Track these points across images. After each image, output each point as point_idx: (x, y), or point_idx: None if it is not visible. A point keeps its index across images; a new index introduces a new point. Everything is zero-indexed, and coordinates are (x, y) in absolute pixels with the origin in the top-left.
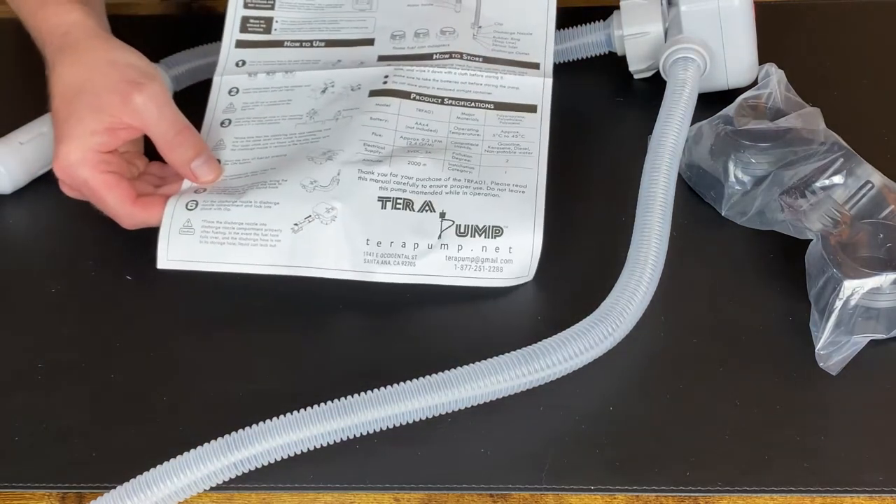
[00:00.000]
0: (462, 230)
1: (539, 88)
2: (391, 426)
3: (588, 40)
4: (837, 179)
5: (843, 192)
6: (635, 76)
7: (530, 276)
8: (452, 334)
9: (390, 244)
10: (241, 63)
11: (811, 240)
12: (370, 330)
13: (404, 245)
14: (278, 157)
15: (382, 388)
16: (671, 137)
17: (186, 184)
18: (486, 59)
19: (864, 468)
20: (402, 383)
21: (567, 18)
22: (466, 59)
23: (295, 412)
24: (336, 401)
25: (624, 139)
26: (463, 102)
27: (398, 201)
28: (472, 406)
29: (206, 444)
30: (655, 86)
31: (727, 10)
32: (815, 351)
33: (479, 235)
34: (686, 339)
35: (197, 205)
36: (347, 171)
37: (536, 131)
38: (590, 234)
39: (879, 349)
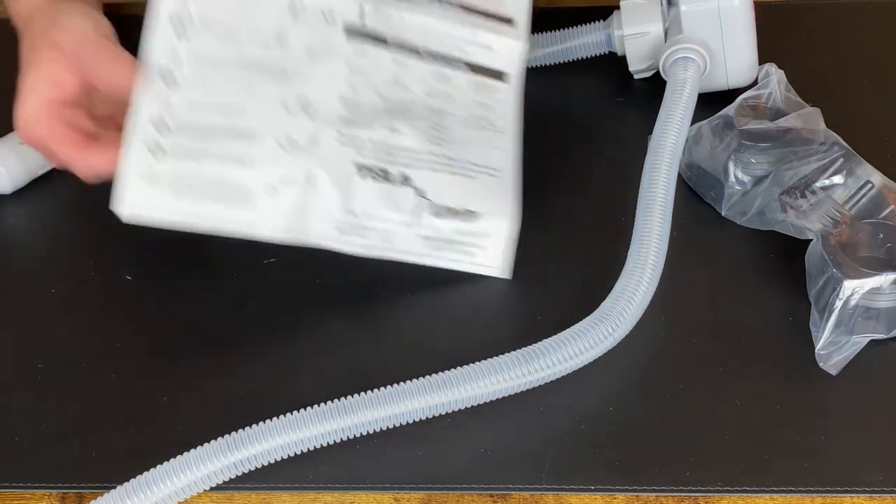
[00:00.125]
0: (437, 210)
1: (513, 54)
2: (391, 426)
3: (588, 40)
4: (837, 179)
5: (843, 192)
6: (635, 76)
7: (508, 274)
8: (452, 334)
9: (367, 216)
10: None
11: (811, 240)
12: (370, 330)
13: (381, 219)
14: (245, 87)
15: (382, 388)
16: (671, 137)
17: (142, 116)
18: (463, 7)
19: (864, 468)
20: (401, 383)
21: (567, 18)
22: (444, 3)
23: (295, 412)
24: (336, 401)
25: (624, 139)
26: (439, 59)
27: (377, 172)
28: (472, 406)
29: (206, 444)
30: (655, 86)
31: (727, 10)
32: (815, 351)
33: (454, 218)
34: (686, 339)
35: (161, 149)
36: (326, 133)
37: (509, 107)
38: (590, 234)
39: (879, 349)
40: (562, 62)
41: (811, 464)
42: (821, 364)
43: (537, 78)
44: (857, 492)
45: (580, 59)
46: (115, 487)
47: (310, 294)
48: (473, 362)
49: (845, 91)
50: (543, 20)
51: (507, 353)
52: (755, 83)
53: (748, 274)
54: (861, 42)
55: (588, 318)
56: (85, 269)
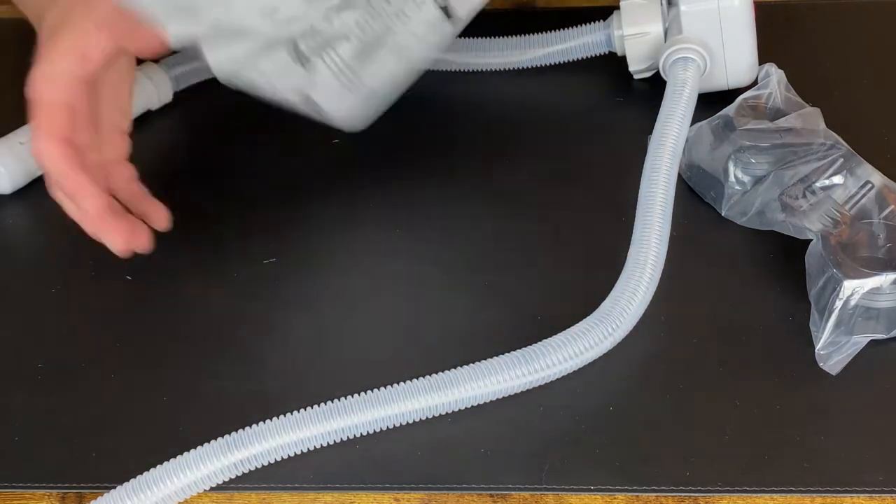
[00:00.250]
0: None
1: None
2: (391, 426)
3: (588, 40)
4: (837, 179)
5: (843, 192)
6: (635, 76)
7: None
8: (452, 334)
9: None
10: None
11: (811, 240)
12: (370, 330)
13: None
14: None
15: (382, 388)
16: (671, 137)
17: None
18: None
19: (864, 468)
20: (401, 383)
21: (567, 18)
22: None
23: (295, 412)
24: (336, 401)
25: (624, 139)
26: None
27: (296, 50)
28: (473, 406)
29: (206, 444)
30: (655, 86)
31: (727, 10)
32: (815, 351)
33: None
34: (686, 339)
35: None
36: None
37: (433, 43)
38: (590, 234)
39: (879, 349)
40: (562, 62)
41: (811, 464)
42: (821, 364)
43: (537, 78)
44: (857, 492)
45: (580, 59)
46: (115, 487)
47: (310, 294)
48: (473, 362)
49: (845, 91)
50: (543, 20)
51: (507, 353)
52: (755, 83)
53: (748, 274)
54: (861, 42)
55: (588, 318)
56: (85, 269)
